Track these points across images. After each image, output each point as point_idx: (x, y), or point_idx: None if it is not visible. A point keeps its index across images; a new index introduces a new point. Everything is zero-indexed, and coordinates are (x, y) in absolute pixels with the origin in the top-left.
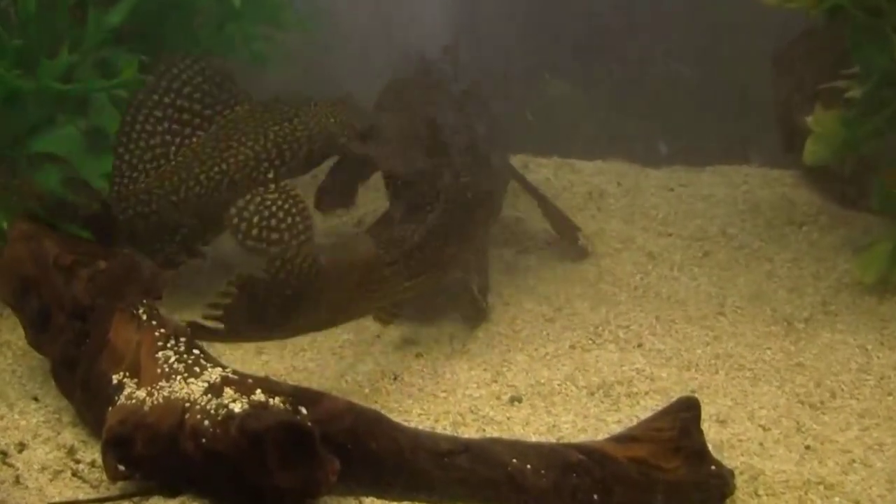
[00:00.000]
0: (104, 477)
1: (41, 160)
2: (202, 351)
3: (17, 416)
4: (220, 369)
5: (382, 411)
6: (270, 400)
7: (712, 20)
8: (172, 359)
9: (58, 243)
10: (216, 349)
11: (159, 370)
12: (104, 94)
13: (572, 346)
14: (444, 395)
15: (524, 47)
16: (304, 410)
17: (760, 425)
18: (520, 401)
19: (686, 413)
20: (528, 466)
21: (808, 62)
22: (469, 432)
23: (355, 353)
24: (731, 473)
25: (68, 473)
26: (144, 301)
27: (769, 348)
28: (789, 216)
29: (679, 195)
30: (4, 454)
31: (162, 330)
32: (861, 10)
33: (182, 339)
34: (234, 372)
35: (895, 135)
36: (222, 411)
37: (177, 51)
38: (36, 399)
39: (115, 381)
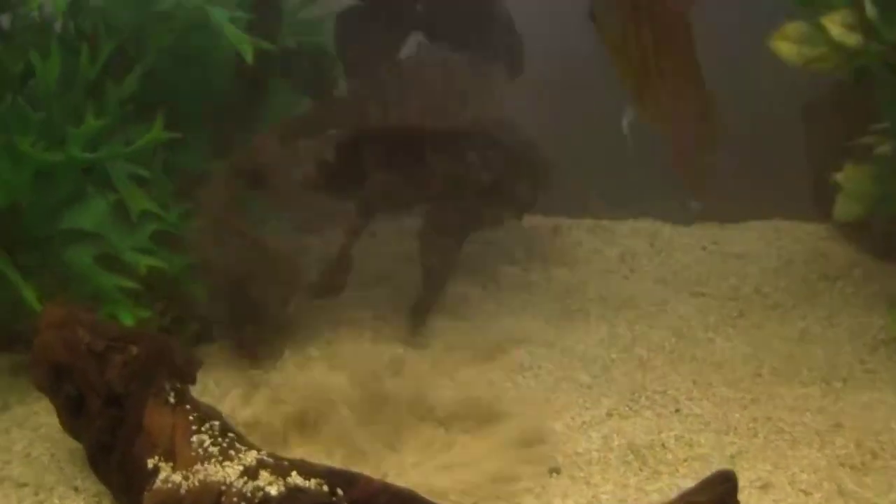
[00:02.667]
0: None
1: (73, 236)
2: (236, 434)
3: (57, 502)
4: (255, 452)
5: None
6: (306, 482)
7: (741, 75)
8: (207, 442)
9: (90, 329)
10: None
11: (194, 454)
12: (123, 170)
13: (609, 414)
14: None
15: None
16: (340, 492)
17: (801, 490)
18: (558, 472)
19: (724, 485)
20: None
21: (837, 116)
22: None
23: None
24: None
25: None
26: (178, 385)
27: (808, 410)
28: (823, 271)
29: (711, 253)
30: None
31: (196, 414)
32: (888, 71)
33: (216, 423)
34: (270, 454)
35: None
36: (259, 494)
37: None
38: (76, 489)
39: (150, 466)
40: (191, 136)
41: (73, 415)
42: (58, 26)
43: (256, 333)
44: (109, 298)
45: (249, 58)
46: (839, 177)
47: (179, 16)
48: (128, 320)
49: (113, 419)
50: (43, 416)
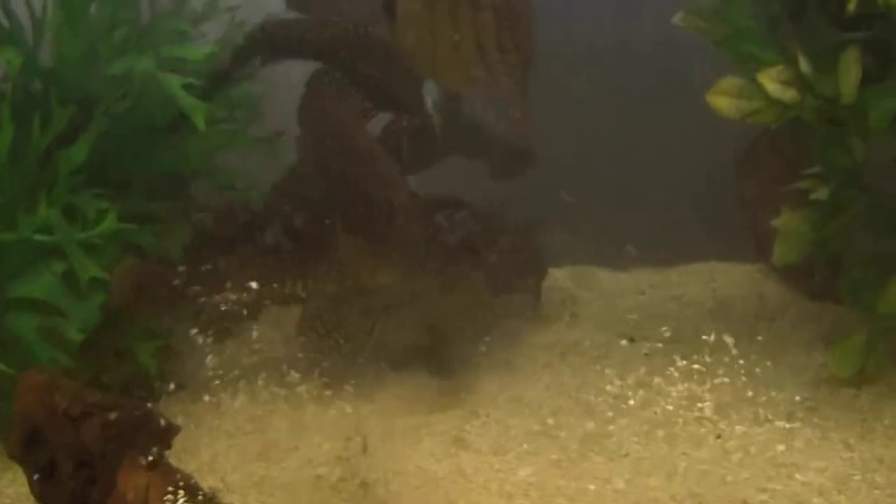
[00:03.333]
0: None
1: (21, 304)
2: (210, 495)
3: None
4: None
5: None
6: None
7: (675, 122)
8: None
9: (69, 394)
10: None
11: None
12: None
13: (559, 460)
14: None
15: None
16: None
17: None
18: None
19: None
20: None
21: (770, 160)
22: None
23: None
24: None
25: None
26: (154, 449)
27: (753, 450)
28: (760, 312)
29: (651, 297)
30: None
31: (171, 477)
32: (823, 122)
33: (191, 484)
34: None
35: (860, 232)
36: None
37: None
38: None
39: None
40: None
41: (45, 480)
42: (8, 87)
43: None
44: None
45: (201, 125)
46: (776, 222)
47: (131, 82)
48: None
49: (85, 481)
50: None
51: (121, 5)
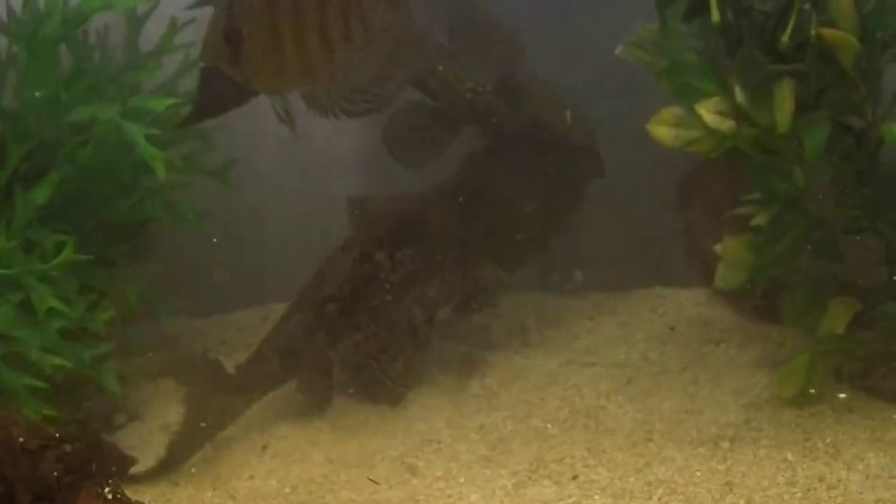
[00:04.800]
0: None
1: None
2: None
3: None
4: None
5: None
6: None
7: (621, 146)
8: None
9: (26, 430)
10: None
11: None
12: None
13: (509, 485)
14: None
15: None
16: None
17: None
18: None
19: None
20: None
21: (713, 186)
22: None
23: None
24: None
25: None
26: (111, 481)
27: (699, 470)
28: (706, 335)
29: (598, 323)
30: None
31: None
32: (760, 151)
33: None
34: None
35: (801, 256)
36: None
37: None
38: None
39: None
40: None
41: None
42: None
43: None
44: (16, 397)
45: (161, 174)
46: (718, 248)
47: (93, 128)
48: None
49: None
50: None
51: (88, 53)
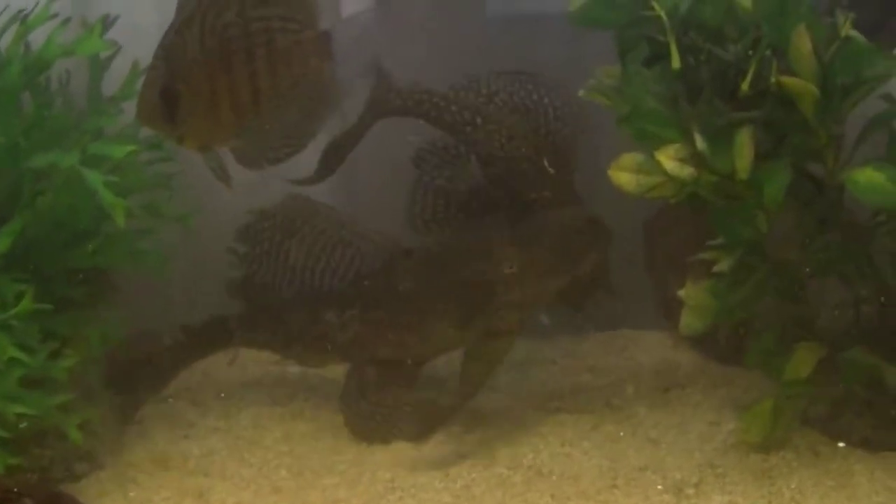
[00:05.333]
0: None
1: None
2: None
3: None
4: None
5: None
6: None
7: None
8: None
9: None
10: None
11: None
12: None
13: None
14: None
15: None
16: None
17: None
18: None
19: None
20: None
21: (676, 230)
22: None
23: None
24: None
25: None
26: None
27: None
28: (671, 379)
29: (563, 367)
30: None
31: None
32: (720, 198)
33: None
34: None
35: (766, 300)
36: None
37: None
38: None
39: None
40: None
41: None
42: None
43: None
44: None
45: (120, 221)
46: (681, 293)
47: (53, 175)
48: None
49: None
50: None
51: (49, 99)
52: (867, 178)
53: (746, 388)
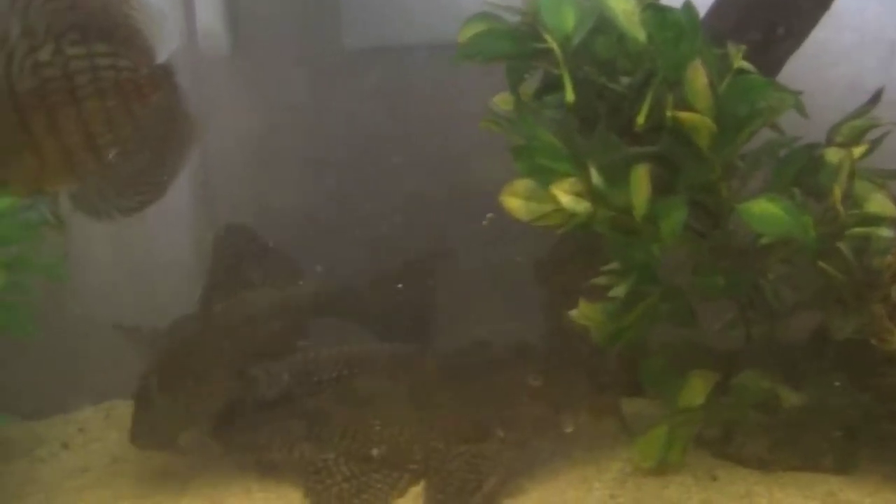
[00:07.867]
0: None
1: None
2: None
3: None
4: None
5: None
6: None
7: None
8: None
9: None
10: None
11: None
12: None
13: None
14: None
15: None
16: None
17: None
18: None
19: None
20: None
21: (569, 264)
22: None
23: None
24: None
25: None
26: None
27: None
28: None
29: None
30: None
31: None
32: (617, 232)
33: None
34: None
35: (657, 323)
36: None
37: None
38: None
39: None
40: None
41: None
42: None
43: None
44: None
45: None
46: (573, 313)
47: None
48: None
49: None
50: None
51: None
52: (761, 209)
53: (638, 414)
